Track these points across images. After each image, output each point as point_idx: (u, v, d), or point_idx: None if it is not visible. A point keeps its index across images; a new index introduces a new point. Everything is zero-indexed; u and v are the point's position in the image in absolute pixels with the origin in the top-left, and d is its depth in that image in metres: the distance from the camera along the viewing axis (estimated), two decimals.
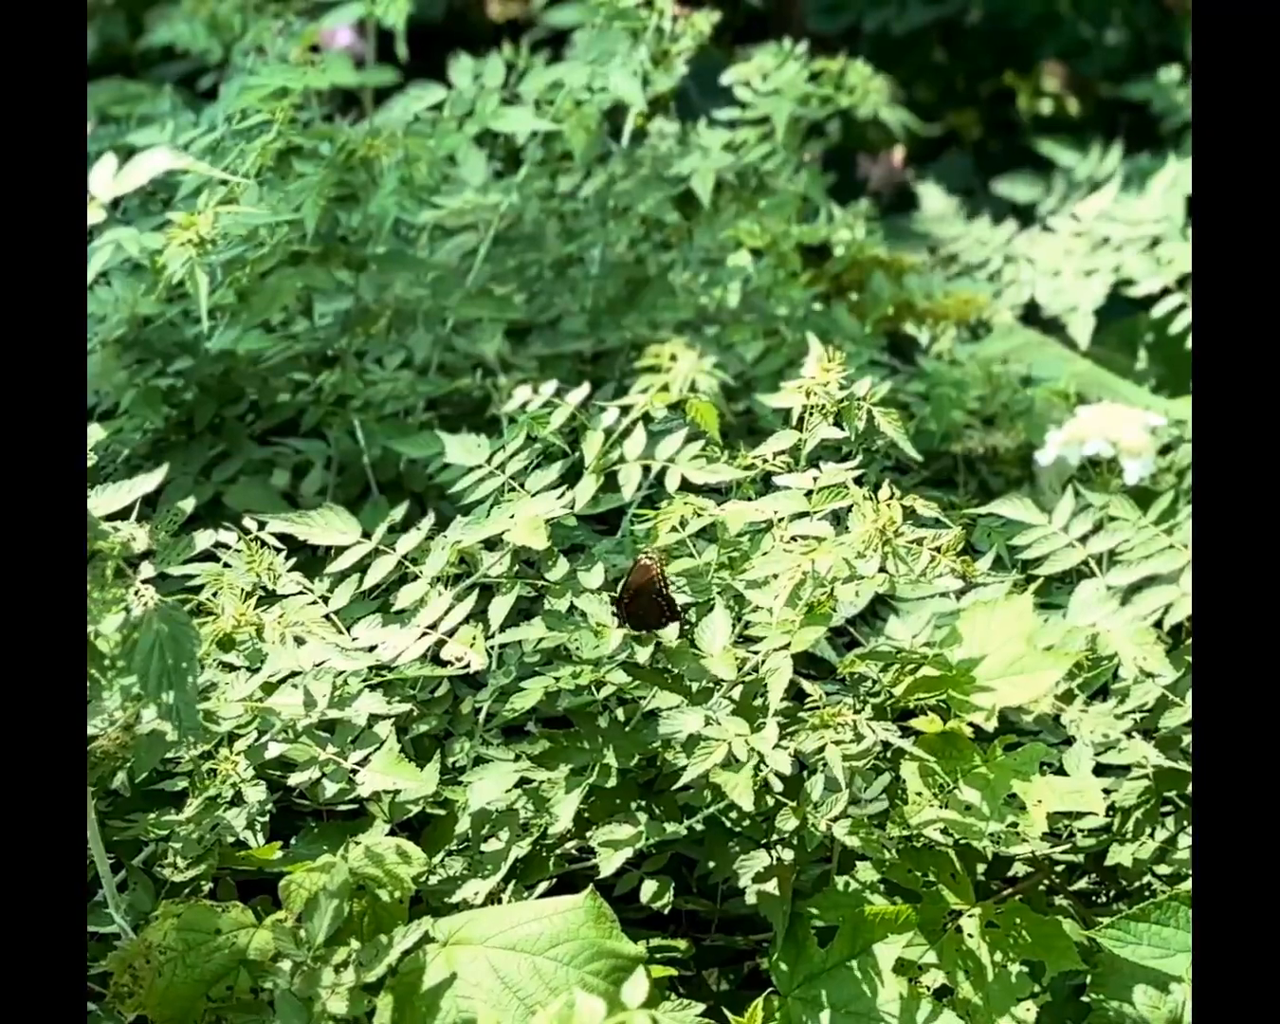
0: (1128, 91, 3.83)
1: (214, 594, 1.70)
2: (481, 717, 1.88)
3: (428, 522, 1.87)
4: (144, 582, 1.43)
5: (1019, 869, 1.91)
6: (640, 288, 2.63)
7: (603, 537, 2.07)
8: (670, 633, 1.79)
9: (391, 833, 1.80)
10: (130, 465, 2.26)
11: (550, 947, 1.61)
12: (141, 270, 2.13)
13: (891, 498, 1.69)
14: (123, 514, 1.56)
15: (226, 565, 1.74)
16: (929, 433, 2.47)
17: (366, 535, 1.86)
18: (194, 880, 1.69)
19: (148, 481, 1.52)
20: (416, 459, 2.30)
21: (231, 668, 1.71)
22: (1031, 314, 2.98)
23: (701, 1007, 1.64)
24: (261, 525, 1.83)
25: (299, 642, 1.73)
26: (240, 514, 1.92)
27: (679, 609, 1.80)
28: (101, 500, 1.49)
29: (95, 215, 1.39)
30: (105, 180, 1.41)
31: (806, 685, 1.76)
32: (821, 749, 1.71)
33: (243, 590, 1.72)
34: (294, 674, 1.72)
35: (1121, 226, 2.99)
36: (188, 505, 1.56)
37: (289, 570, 1.81)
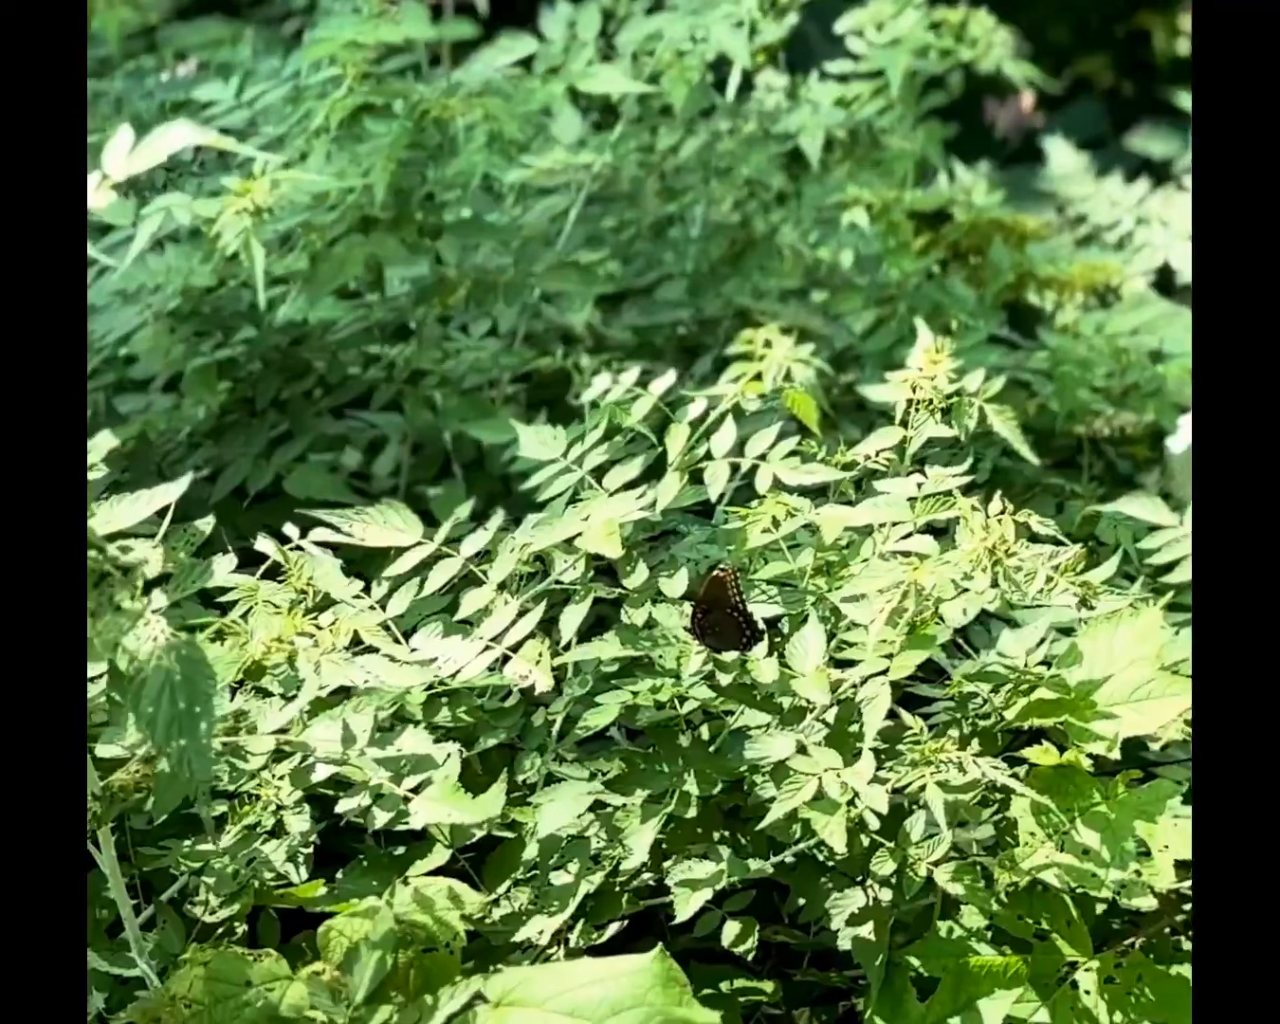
0: None
1: (244, 614, 1.53)
2: (555, 730, 1.73)
3: (495, 520, 1.71)
4: (154, 612, 1.25)
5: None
6: (745, 251, 2.47)
7: (699, 518, 1.90)
8: (757, 652, 1.63)
9: (453, 858, 1.65)
10: (191, 444, 2.12)
11: (612, 1014, 1.44)
12: (198, 236, 1.98)
13: (1002, 512, 1.52)
14: (158, 516, 1.42)
15: (265, 578, 1.58)
16: (1051, 413, 2.30)
17: (430, 533, 1.71)
18: (227, 921, 1.55)
19: (168, 492, 1.35)
20: None
21: (266, 694, 1.55)
22: (1165, 281, 2.79)
23: None
24: (315, 523, 1.67)
25: (354, 652, 1.58)
26: (300, 501, 1.77)
27: (760, 627, 1.63)
28: (116, 513, 1.32)
29: (105, 197, 1.23)
30: (120, 160, 1.25)
31: (906, 717, 1.59)
32: (922, 787, 1.55)
33: (281, 605, 1.56)
34: (342, 692, 1.56)
35: None
36: (206, 525, 1.40)
37: (345, 571, 1.67)
